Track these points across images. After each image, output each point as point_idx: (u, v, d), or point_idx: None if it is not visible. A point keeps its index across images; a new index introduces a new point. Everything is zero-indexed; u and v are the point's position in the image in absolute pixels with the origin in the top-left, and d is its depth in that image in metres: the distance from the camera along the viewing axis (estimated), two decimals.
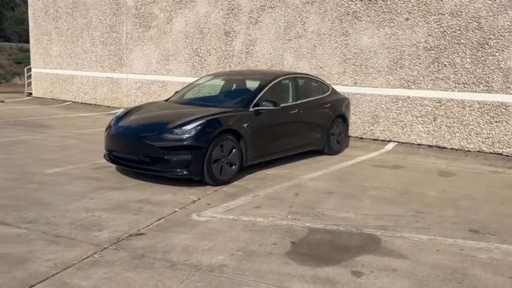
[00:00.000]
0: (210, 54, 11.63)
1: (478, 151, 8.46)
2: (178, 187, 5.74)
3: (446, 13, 8.52)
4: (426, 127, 8.93)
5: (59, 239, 4.07)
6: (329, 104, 7.91)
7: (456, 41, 8.47)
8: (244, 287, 3.36)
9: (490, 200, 5.75)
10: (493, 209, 5.38)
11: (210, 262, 3.73)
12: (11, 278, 3.36)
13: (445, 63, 8.62)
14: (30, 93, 16.50)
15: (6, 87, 19.06)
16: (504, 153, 8.23)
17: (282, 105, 6.66)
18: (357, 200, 5.56)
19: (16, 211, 4.72)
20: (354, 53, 9.54)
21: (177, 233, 4.31)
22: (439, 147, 8.82)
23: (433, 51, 8.71)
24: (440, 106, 8.75)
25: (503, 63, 8.11)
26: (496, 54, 8.15)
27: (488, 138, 8.36)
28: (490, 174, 7.25)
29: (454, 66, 8.54)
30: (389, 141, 9.31)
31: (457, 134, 8.64)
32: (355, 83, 9.59)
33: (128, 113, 6.52)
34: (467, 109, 8.51)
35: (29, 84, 16.83)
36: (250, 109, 6.37)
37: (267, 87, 6.79)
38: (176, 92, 7.50)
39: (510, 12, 7.98)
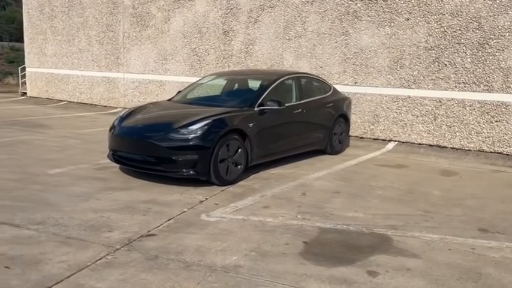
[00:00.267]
0: (208, 54, 11.59)
1: (479, 150, 8.52)
2: (184, 187, 5.71)
3: (447, 13, 8.56)
4: (426, 126, 8.98)
5: (70, 241, 4.03)
6: (331, 104, 7.91)
7: (456, 41, 8.52)
8: (261, 287, 3.34)
9: (495, 199, 5.78)
10: (499, 208, 5.42)
11: (224, 263, 3.70)
12: (26, 280, 3.32)
13: (446, 63, 8.67)
14: (25, 93, 16.34)
15: None
16: (504, 152, 8.30)
17: (286, 105, 6.65)
18: (363, 199, 5.57)
19: (23, 212, 4.66)
20: (354, 53, 9.56)
21: (188, 234, 4.28)
22: (439, 146, 8.87)
23: (433, 51, 8.75)
24: (440, 106, 8.80)
25: (503, 63, 8.17)
26: (497, 54, 8.21)
27: (489, 137, 8.42)
28: (492, 173, 7.30)
29: (454, 66, 8.59)
30: (390, 140, 9.34)
31: (457, 134, 8.70)
32: (355, 83, 9.61)
33: (131, 113, 6.47)
34: (467, 109, 8.56)
35: (23, 83, 16.67)
36: (255, 109, 6.35)
37: (271, 86, 6.77)
38: (179, 92, 7.47)
39: (510, 12, 8.04)
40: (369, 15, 9.34)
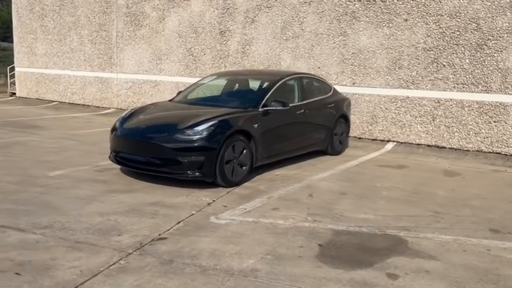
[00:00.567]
0: (204, 54, 11.49)
1: (477, 150, 8.56)
2: (190, 189, 5.61)
3: (445, 14, 8.60)
4: (425, 127, 9.00)
5: (79, 245, 3.91)
6: (332, 104, 7.88)
7: (455, 42, 8.56)
8: None
9: (501, 200, 5.80)
10: (507, 208, 5.43)
11: (241, 266, 3.63)
12: (38, 287, 3.20)
13: (444, 63, 8.70)
14: (14, 93, 16.02)
15: None
16: (503, 153, 8.36)
17: (290, 105, 6.60)
18: (371, 200, 5.54)
19: (27, 216, 4.52)
20: (353, 53, 9.55)
21: (200, 237, 4.20)
22: (438, 146, 8.90)
23: (432, 52, 8.78)
24: (439, 106, 8.83)
25: (501, 63, 8.23)
26: (495, 55, 8.26)
27: (487, 137, 8.48)
28: (493, 173, 7.33)
29: (453, 67, 8.63)
30: (388, 141, 9.35)
31: (456, 134, 8.74)
32: (353, 83, 9.60)
33: (133, 114, 6.35)
34: (466, 109, 8.61)
35: (12, 83, 16.36)
36: (260, 109, 6.29)
37: (275, 87, 6.71)
38: (179, 92, 7.36)
39: (509, 13, 8.10)
40: (367, 16, 9.34)
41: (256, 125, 6.08)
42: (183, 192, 5.50)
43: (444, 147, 8.84)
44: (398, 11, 9.03)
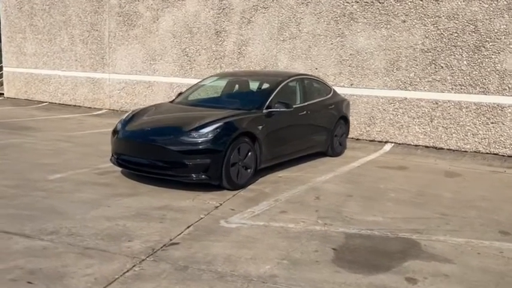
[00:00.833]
0: (199, 55, 11.38)
1: (475, 151, 8.62)
2: (195, 192, 5.52)
3: (443, 16, 8.64)
4: (423, 128, 9.04)
5: (89, 252, 3.80)
6: (333, 106, 7.86)
7: (453, 44, 8.61)
8: None
9: (505, 201, 5.83)
10: None
11: (258, 272, 3.56)
12: None
13: (442, 65, 8.75)
14: (1, 94, 15.70)
15: None
16: (500, 153, 8.42)
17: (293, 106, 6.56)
18: (378, 202, 5.52)
19: (31, 222, 4.40)
20: (350, 54, 9.55)
21: (213, 242, 4.12)
22: (436, 148, 8.94)
23: (430, 53, 8.82)
24: (437, 107, 8.87)
25: (499, 65, 8.30)
26: (492, 56, 8.33)
27: (485, 138, 8.54)
28: (492, 174, 7.38)
29: (450, 68, 8.68)
30: (386, 142, 9.36)
31: (453, 135, 8.78)
32: (351, 84, 9.59)
33: (135, 115, 6.23)
34: (463, 110, 8.66)
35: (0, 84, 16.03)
36: (264, 111, 6.23)
37: (278, 88, 6.66)
38: (180, 93, 7.25)
39: (506, 15, 8.17)
40: (365, 17, 9.34)
41: (260, 127, 6.02)
42: (189, 196, 5.41)
43: (442, 148, 8.89)
44: (396, 13, 9.05)
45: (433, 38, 8.77)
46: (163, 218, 4.65)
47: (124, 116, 6.30)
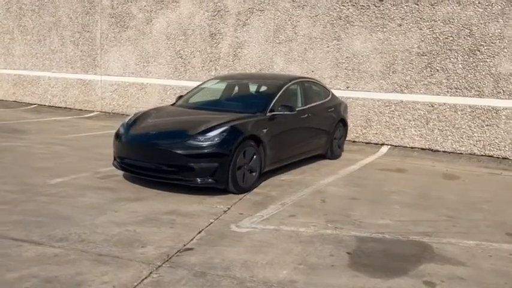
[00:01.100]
0: (194, 57, 11.32)
1: (470, 153, 8.74)
2: (200, 196, 5.48)
3: (439, 20, 8.75)
4: (419, 130, 9.13)
5: (103, 258, 3.74)
6: (332, 108, 7.89)
7: (448, 47, 8.73)
8: None
9: (507, 203, 5.92)
10: None
11: (277, 278, 3.54)
12: None
13: (438, 68, 8.85)
14: None
15: None
16: (495, 156, 8.56)
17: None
18: (384, 205, 5.55)
19: (39, 228, 4.31)
20: (347, 57, 9.60)
21: (227, 247, 4.09)
22: (431, 150, 9.04)
23: (425, 57, 8.92)
24: (432, 110, 8.98)
25: (493, 69, 8.44)
26: (487, 60, 8.46)
27: (480, 141, 8.67)
28: (490, 176, 7.49)
29: (446, 72, 8.79)
30: (382, 144, 9.44)
31: (449, 137, 8.90)
32: (347, 87, 9.65)
33: (137, 119, 6.15)
34: (459, 113, 8.78)
35: None
36: (267, 114, 6.22)
37: (280, 91, 6.65)
38: (180, 96, 7.19)
39: (500, 20, 8.31)
40: (361, 21, 9.40)
41: (265, 130, 6.01)
42: (195, 200, 5.36)
43: (438, 151, 8.99)
44: (392, 16, 9.13)
45: (428, 42, 8.88)
46: (173, 223, 4.60)
47: (126, 120, 6.22)
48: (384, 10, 9.20)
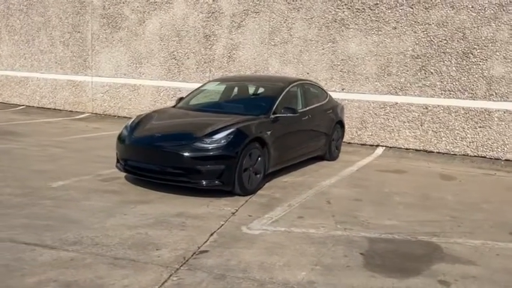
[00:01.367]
0: (188, 58, 11.29)
1: (463, 154, 8.92)
2: (207, 198, 5.48)
3: (433, 23, 8.91)
4: (413, 132, 9.28)
5: (120, 262, 3.71)
6: (330, 110, 7.97)
7: (442, 50, 8.89)
8: None
9: (506, 202, 6.06)
10: None
11: (296, 279, 3.57)
12: None
13: (432, 71, 9.01)
14: None
15: None
16: (488, 156, 8.75)
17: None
18: (388, 206, 5.63)
19: (49, 231, 4.26)
20: (342, 60, 9.70)
21: (241, 249, 4.10)
22: (426, 151, 9.19)
23: (420, 59, 9.07)
24: (427, 112, 9.13)
25: (486, 72, 8.63)
26: (480, 63, 8.65)
27: (473, 142, 8.85)
28: (485, 177, 7.65)
29: (440, 74, 8.95)
30: (377, 145, 9.56)
31: (443, 139, 9.06)
32: (342, 89, 9.74)
33: (141, 121, 6.12)
34: (453, 115, 8.95)
35: None
36: (271, 116, 6.25)
37: (283, 93, 6.69)
38: (181, 98, 7.16)
39: (493, 24, 8.51)
40: (356, 24, 9.51)
41: (269, 132, 6.04)
42: (202, 202, 5.36)
43: (432, 152, 9.15)
44: (387, 19, 9.26)
45: (423, 45, 9.03)
46: (184, 226, 4.60)
47: (129, 122, 6.18)
48: (378, 13, 9.32)
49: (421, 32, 9.02)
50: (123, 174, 6.25)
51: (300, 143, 6.92)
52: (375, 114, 9.55)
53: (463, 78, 8.81)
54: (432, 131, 9.13)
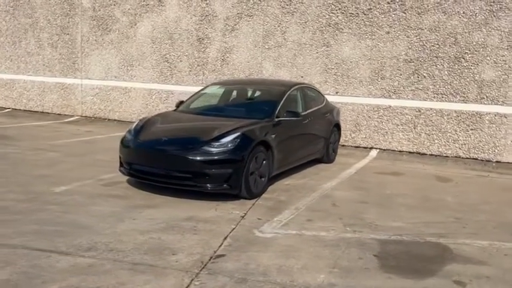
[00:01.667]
0: (181, 61, 11.25)
1: (456, 157, 9.11)
2: (213, 202, 5.48)
3: (426, 28, 9.09)
4: (407, 135, 9.44)
5: (139, 267, 3.70)
6: (328, 114, 8.05)
7: (435, 55, 9.08)
8: None
9: (504, 203, 6.22)
10: None
11: (316, 282, 3.61)
12: None
13: (425, 74, 9.19)
14: None
15: None
16: (479, 158, 8.96)
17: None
18: (392, 208, 5.72)
19: (61, 237, 4.21)
20: (336, 63, 9.81)
21: (257, 252, 4.12)
22: (419, 153, 9.36)
23: (413, 63, 9.24)
24: (420, 115, 9.30)
25: (477, 75, 8.84)
26: (472, 67, 8.86)
27: (465, 144, 9.05)
28: (479, 178, 7.83)
29: (432, 78, 9.14)
30: (371, 148, 9.69)
31: (436, 141, 9.24)
32: (336, 92, 9.85)
33: (144, 125, 6.08)
34: (445, 118, 9.14)
35: None
36: (275, 119, 6.29)
37: (284, 97, 6.75)
38: (182, 102, 7.14)
39: (484, 29, 8.73)
40: (350, 28, 9.64)
41: (273, 136, 6.08)
42: (210, 206, 5.36)
43: (425, 154, 9.32)
44: (380, 24, 9.41)
45: (415, 49, 9.20)
46: (196, 230, 4.59)
47: (133, 126, 6.14)
48: (372, 18, 9.46)
49: (414, 37, 9.19)
50: (125, 178, 6.22)
51: (301, 146, 6.98)
52: (369, 117, 9.69)
53: (455, 82, 9.01)
54: (425, 133, 9.31)
